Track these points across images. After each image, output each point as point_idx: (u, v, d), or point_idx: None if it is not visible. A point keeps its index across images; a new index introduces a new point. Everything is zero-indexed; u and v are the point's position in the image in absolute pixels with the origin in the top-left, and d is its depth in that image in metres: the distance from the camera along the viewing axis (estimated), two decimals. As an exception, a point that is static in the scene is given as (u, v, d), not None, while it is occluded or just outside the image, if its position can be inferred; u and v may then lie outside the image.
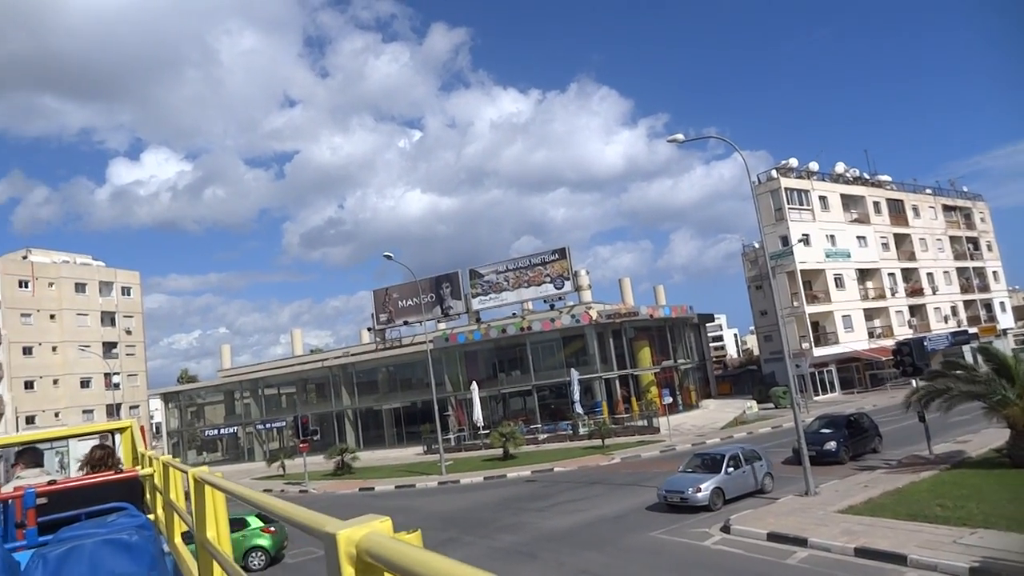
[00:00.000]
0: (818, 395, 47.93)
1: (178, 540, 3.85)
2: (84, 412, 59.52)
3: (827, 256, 52.09)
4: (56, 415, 58.13)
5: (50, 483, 5.03)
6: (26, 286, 60.18)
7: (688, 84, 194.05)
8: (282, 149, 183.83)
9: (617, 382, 42.66)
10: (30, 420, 56.43)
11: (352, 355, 52.16)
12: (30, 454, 5.96)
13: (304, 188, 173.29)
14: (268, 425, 49.33)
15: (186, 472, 2.80)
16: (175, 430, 57.74)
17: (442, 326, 50.17)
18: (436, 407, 33.26)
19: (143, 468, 5.71)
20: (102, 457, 6.24)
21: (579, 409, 38.63)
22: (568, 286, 46.33)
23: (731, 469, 18.93)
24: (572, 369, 39.54)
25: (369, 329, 55.46)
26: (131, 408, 62.42)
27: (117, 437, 7.75)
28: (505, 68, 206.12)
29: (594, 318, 41.88)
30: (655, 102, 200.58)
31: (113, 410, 55.94)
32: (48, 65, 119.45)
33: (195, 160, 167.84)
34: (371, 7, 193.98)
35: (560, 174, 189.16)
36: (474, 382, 40.40)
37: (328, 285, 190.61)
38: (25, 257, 62.84)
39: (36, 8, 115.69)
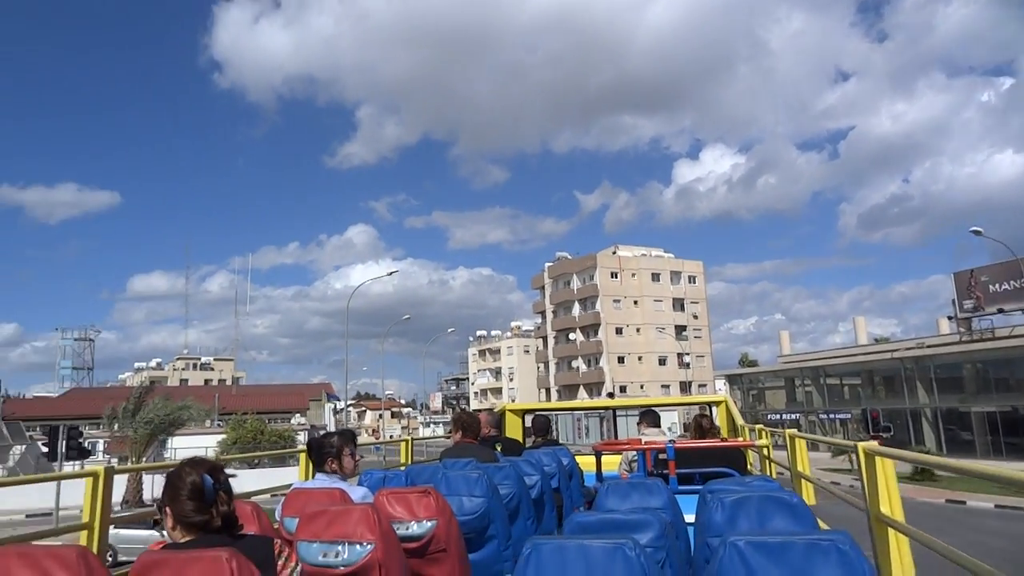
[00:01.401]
0: None
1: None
2: (662, 386, 68.06)
3: None
4: (641, 387, 68.00)
5: (670, 443, 5.64)
6: (615, 277, 72.21)
7: None
8: (835, 127, 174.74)
9: None
10: (622, 389, 67.39)
11: (928, 347, 46.14)
12: (651, 416, 6.91)
13: (861, 165, 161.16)
14: (831, 415, 47.62)
15: (854, 446, 2.74)
16: (739, 411, 60.99)
17: (1055, 316, 40.09)
18: (1051, 416, 26.69)
19: (745, 438, 6.02)
20: (707, 425, 6.83)
21: None
22: None
23: None
24: None
25: (949, 318, 48.21)
26: (699, 386, 68.50)
27: (713, 409, 8.45)
28: None
29: None
30: None
31: (686, 387, 62.37)
32: (625, 88, 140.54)
33: (747, 152, 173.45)
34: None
35: None
36: (1110, 389, 31.02)
37: (891, 269, 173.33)
38: (614, 253, 75.41)
39: (615, 40, 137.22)
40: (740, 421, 7.06)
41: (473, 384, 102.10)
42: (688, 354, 67.14)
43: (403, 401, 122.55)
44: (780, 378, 58.56)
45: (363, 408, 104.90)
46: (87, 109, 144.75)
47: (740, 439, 6.26)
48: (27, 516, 27.23)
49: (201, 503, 1.86)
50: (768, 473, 5.15)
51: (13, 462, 38.96)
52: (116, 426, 35.10)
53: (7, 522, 25.28)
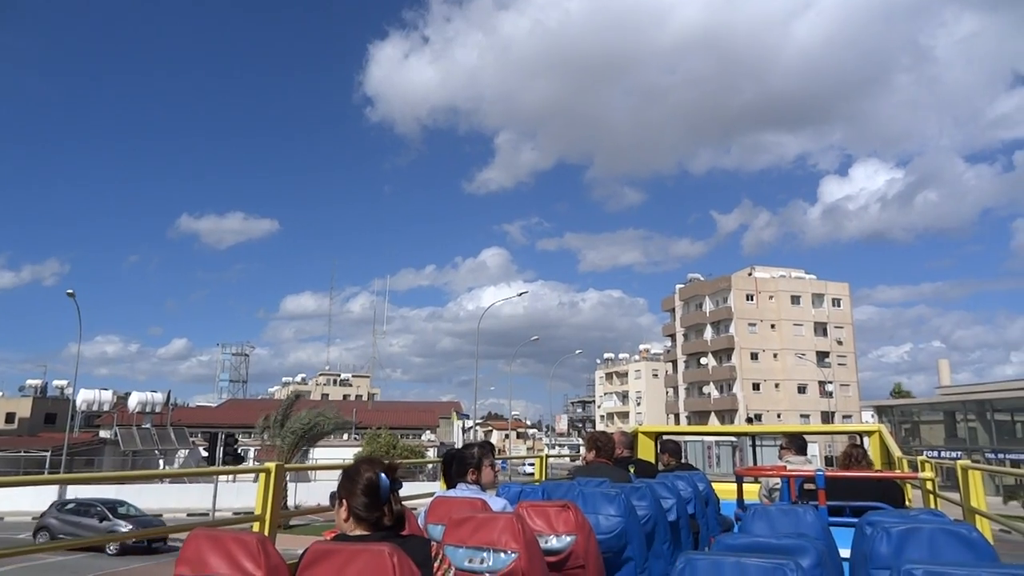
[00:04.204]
0: None
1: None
2: (801, 416, 64.07)
3: None
4: (778, 416, 64.35)
5: (819, 471, 5.29)
6: (751, 299, 69.13)
7: None
8: (1010, 137, 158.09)
9: None
10: (757, 417, 64.11)
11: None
12: (797, 442, 6.52)
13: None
14: (1000, 455, 42.87)
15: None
16: (889, 445, 56.20)
17: None
18: None
19: (904, 471, 5.53)
20: (858, 455, 6.35)
21: None
22: None
23: None
24: None
25: None
26: (844, 417, 63.85)
27: (865, 440, 7.82)
28: None
29: None
30: None
31: (828, 417, 58.36)
32: (768, 106, 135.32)
33: (905, 166, 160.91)
34: None
35: None
36: None
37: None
38: (750, 274, 72.31)
39: (760, 57, 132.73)
40: (897, 453, 6.49)
41: (599, 407, 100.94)
42: (831, 382, 62.87)
43: (529, 422, 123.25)
44: (938, 411, 53.54)
45: (490, 428, 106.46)
46: (255, 145, 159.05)
47: (897, 472, 5.77)
48: (188, 515, 29.81)
49: (375, 499, 1.96)
50: (934, 508, 4.70)
51: (178, 464, 43.00)
52: (266, 435, 37.85)
53: (177, 519, 27.77)
